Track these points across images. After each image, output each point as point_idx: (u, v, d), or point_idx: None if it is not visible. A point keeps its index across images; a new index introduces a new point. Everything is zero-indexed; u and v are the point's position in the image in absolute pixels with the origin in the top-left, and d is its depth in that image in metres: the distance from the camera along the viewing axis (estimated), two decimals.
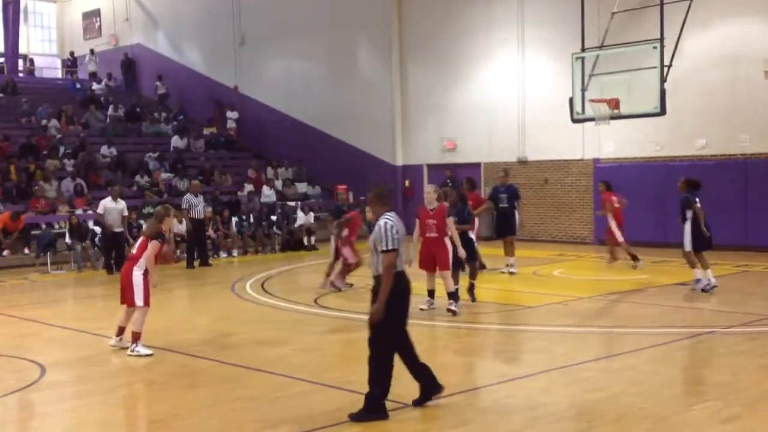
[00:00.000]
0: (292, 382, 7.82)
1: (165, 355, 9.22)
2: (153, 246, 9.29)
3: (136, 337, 9.19)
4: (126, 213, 17.61)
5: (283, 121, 27.40)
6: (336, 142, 25.97)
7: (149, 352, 9.11)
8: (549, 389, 7.47)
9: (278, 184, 24.69)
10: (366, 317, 6.76)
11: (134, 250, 9.55)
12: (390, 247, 6.48)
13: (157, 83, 30.97)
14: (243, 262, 19.49)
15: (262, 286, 14.79)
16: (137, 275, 9.30)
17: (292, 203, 23.30)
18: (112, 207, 17.28)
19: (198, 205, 18.22)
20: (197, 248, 18.29)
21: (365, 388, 6.62)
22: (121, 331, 9.56)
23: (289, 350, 9.32)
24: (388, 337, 6.54)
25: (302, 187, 25.39)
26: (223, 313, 12.25)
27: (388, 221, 6.63)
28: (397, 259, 6.54)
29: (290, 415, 6.77)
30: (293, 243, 21.43)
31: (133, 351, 9.13)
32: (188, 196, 18.46)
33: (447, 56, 23.58)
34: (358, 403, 6.67)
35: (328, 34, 26.08)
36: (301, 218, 22.16)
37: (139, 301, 9.29)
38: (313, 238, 21.71)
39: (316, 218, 22.52)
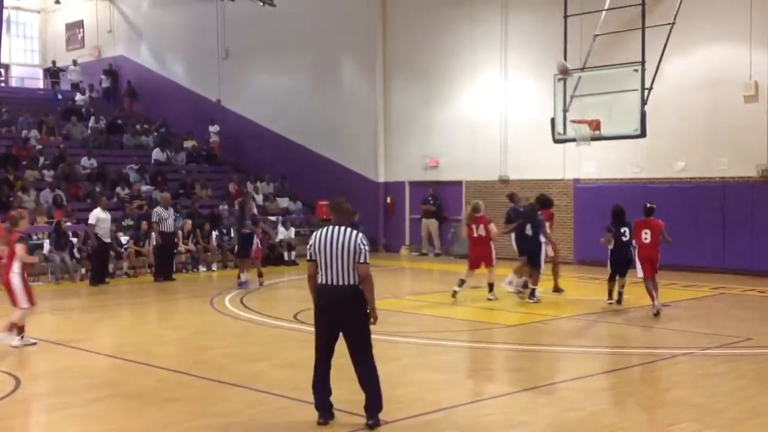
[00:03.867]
0: (271, 397, 7.77)
1: (142, 369, 9.14)
2: (21, 247, 10.24)
3: (12, 327, 9.95)
4: (111, 224, 17.80)
5: (265, 135, 27.38)
6: (319, 157, 25.97)
7: (17, 343, 9.92)
8: (528, 408, 7.47)
9: (259, 198, 24.63)
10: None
11: (4, 260, 10.35)
12: (308, 258, 6.90)
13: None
14: (222, 276, 19.40)
15: (242, 300, 14.71)
16: (15, 280, 10.15)
17: (273, 218, 23.24)
18: (104, 217, 17.48)
19: (168, 218, 18.08)
20: (164, 261, 18.18)
21: (344, 404, 6.58)
22: (20, 330, 10.25)
23: (267, 365, 9.28)
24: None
25: (284, 202, 25.34)
26: (202, 328, 12.18)
27: (315, 234, 6.93)
28: (325, 273, 6.76)
29: (267, 431, 6.73)
30: (273, 258, 21.37)
31: (3, 339, 9.93)
32: (158, 209, 18.35)
33: (430, 74, 23.69)
34: (338, 419, 6.65)
35: (312, 50, 26.14)
36: (282, 233, 22.10)
37: (23, 303, 10.14)
38: (293, 254, 21.66)
39: (297, 233, 22.49)
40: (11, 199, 20.42)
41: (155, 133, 28.30)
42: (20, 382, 8.46)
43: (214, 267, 20.37)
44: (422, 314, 13.11)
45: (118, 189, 22.82)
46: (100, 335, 12.13)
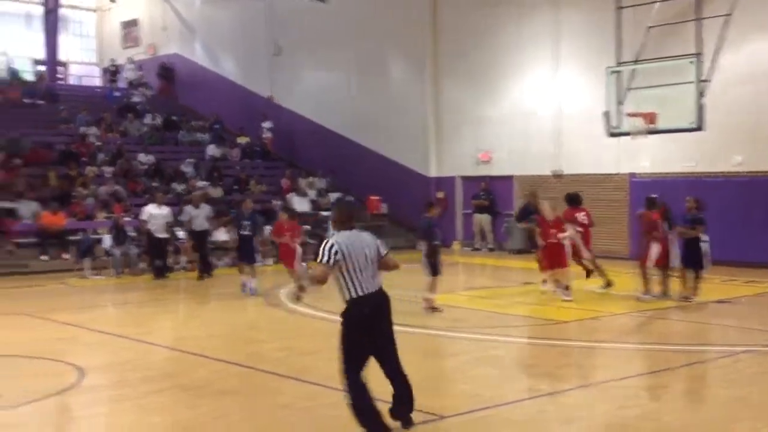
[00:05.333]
0: (325, 391, 7.84)
1: (199, 361, 9.31)
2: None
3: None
4: (170, 219, 17.95)
5: (317, 131, 27.57)
6: (369, 152, 26.07)
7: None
8: (583, 405, 7.43)
9: (312, 193, 24.83)
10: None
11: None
12: (319, 260, 6.23)
13: (157, 74, 31.74)
14: (276, 270, 19.59)
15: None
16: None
17: (326, 213, 23.40)
18: (157, 213, 17.77)
19: (197, 217, 17.97)
20: (200, 259, 18.12)
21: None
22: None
23: (321, 359, 9.36)
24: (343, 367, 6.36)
25: (335, 197, 25.49)
26: (256, 321, 12.36)
27: (331, 240, 6.31)
28: (360, 281, 6.23)
29: (321, 424, 6.81)
30: None
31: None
32: (188, 208, 18.24)
33: (481, 68, 23.59)
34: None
35: (362, 45, 26.23)
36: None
37: None
38: None
39: None
40: (73, 194, 20.99)
41: (210, 130, 28.71)
42: (84, 373, 8.71)
43: (269, 261, 20.59)
44: (477, 309, 13.09)
45: (175, 184, 23.21)
46: (159, 328, 12.41)
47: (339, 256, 6.16)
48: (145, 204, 19.03)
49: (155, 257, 17.96)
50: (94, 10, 36.72)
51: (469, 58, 23.79)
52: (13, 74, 29.53)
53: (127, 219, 19.35)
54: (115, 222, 18.83)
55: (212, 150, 26.81)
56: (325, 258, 6.16)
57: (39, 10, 33.20)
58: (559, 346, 10.55)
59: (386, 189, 25.32)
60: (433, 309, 12.24)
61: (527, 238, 15.74)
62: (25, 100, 27.20)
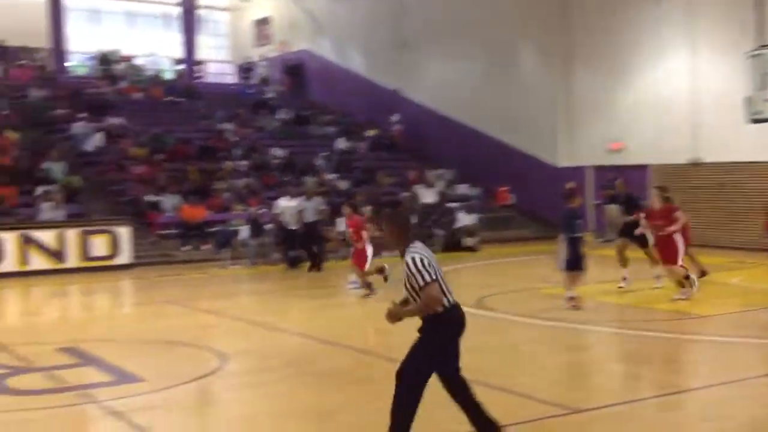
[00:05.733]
0: None
1: (334, 350, 9.54)
2: None
3: None
4: (301, 209, 18.51)
5: (443, 122, 27.58)
6: (497, 143, 25.86)
7: None
8: (724, 402, 7.14)
9: (439, 185, 24.89)
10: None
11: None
12: (428, 279, 5.58)
13: (287, 70, 32.17)
14: (397, 261, 19.77)
15: None
16: None
17: (453, 204, 23.41)
18: (289, 205, 18.34)
19: (308, 209, 18.18)
20: (308, 252, 18.30)
21: (531, 391, 6.59)
22: None
23: None
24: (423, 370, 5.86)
25: (463, 189, 25.45)
26: (383, 312, 12.49)
27: (416, 255, 5.64)
28: (448, 290, 5.77)
29: (451, 415, 6.84)
30: (453, 244, 21.55)
31: None
32: (281, 201, 18.62)
33: (613, 54, 22.93)
34: (523, 406, 6.67)
35: (488, 35, 26.01)
36: (463, 219, 22.22)
37: None
38: (474, 240, 21.72)
39: (477, 220, 22.52)
40: (212, 187, 21.91)
41: (339, 124, 29.26)
42: (225, 358, 9.10)
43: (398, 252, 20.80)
44: (610, 302, 12.80)
45: (306, 177, 23.80)
46: (293, 317, 12.78)
47: (431, 269, 5.61)
48: (278, 197, 19.67)
49: (288, 248, 18.51)
50: (228, 10, 38.05)
51: (601, 44, 23.17)
52: (156, 74, 31.03)
53: (261, 211, 20.00)
54: (250, 214, 19.54)
55: (341, 143, 27.32)
56: (430, 275, 5.58)
57: (177, 11, 34.73)
58: (698, 341, 10.17)
59: (514, 180, 25.06)
60: (574, 306, 11.57)
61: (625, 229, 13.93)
62: (167, 99, 28.56)
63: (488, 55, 26.29)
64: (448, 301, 5.73)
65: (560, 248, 11.77)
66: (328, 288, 16.12)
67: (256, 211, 19.75)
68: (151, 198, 20.87)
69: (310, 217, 18.31)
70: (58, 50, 30.61)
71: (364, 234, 13.83)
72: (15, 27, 28.51)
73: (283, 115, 29.09)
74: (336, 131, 28.50)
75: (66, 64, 31.15)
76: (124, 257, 18.78)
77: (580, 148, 24.17)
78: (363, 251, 13.78)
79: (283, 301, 14.26)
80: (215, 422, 7.30)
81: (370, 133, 28.77)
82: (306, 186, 19.69)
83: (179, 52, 33.70)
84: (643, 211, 12.97)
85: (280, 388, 8.01)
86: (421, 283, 5.56)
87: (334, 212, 20.44)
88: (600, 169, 23.58)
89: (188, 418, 7.33)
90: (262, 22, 36.28)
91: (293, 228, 18.40)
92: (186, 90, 29.57)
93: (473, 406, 5.93)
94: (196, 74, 34.24)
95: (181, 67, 33.39)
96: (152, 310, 13.46)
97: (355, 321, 11.82)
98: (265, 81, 32.80)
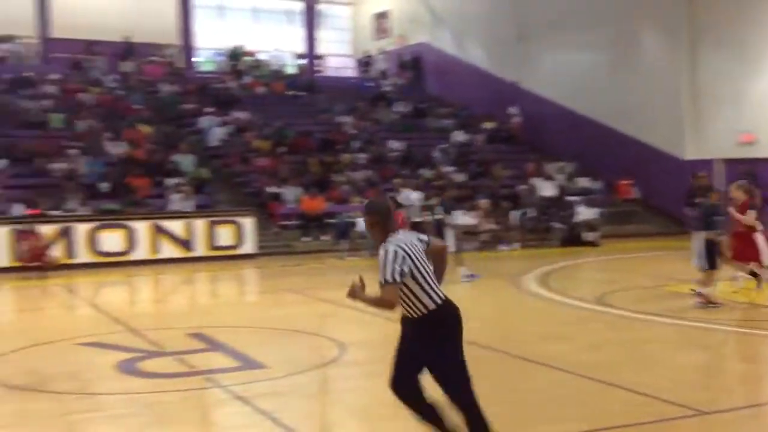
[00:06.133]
0: (575, 378, 7.75)
1: None
2: None
3: None
4: (423, 203, 18.66)
5: (563, 114, 27.09)
6: (618, 135, 25.18)
7: None
8: None
9: (559, 178, 24.47)
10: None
11: None
12: (389, 279, 4.98)
13: (406, 64, 31.88)
14: (523, 255, 19.59)
15: (544, 280, 14.78)
16: None
17: (573, 198, 22.97)
18: (411, 198, 18.49)
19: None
20: None
21: (654, 391, 6.41)
22: None
23: (571, 347, 9.23)
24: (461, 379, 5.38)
25: (583, 182, 24.93)
26: (504, 306, 12.43)
27: (392, 247, 5.03)
28: (432, 289, 5.16)
29: (573, 412, 6.73)
30: (573, 238, 21.16)
31: None
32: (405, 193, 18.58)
33: (744, 41, 21.91)
34: (647, 406, 6.49)
35: (610, 24, 25.34)
36: (583, 213, 21.80)
37: None
38: (595, 234, 21.26)
39: (599, 214, 22.03)
40: (331, 179, 22.33)
41: (456, 116, 29.19)
42: (344, 348, 9.27)
43: (515, 246, 20.63)
44: (737, 302, 12.27)
45: (423, 170, 23.89)
46: None
47: (407, 264, 4.99)
48: (396, 190, 19.83)
49: None
50: (349, 4, 38.54)
51: (730, 29, 22.18)
52: (279, 69, 31.81)
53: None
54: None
55: (458, 136, 27.25)
56: (395, 274, 4.95)
57: (299, 6, 35.47)
58: None
59: (637, 173, 24.35)
60: (710, 304, 11.03)
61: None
62: (288, 93, 29.24)
63: (610, 44, 25.62)
64: (439, 297, 5.17)
65: (697, 245, 11.32)
66: (450, 280, 16.11)
67: None
68: (273, 189, 21.46)
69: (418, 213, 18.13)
70: (187, 47, 31.86)
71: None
72: (147, 25, 29.90)
73: (400, 108, 29.26)
74: (453, 124, 28.46)
75: (194, 60, 32.40)
76: (248, 247, 19.40)
77: (707, 140, 23.23)
78: None
79: None
80: (335, 410, 7.45)
81: (488, 125, 28.58)
82: (394, 182, 19.58)
83: (301, 47, 34.40)
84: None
85: None
86: (382, 280, 4.99)
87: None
88: (731, 163, 22.60)
89: (310, 405, 7.51)
90: (382, 16, 36.56)
91: (417, 220, 18.44)
92: (307, 84, 30.18)
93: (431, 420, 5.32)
94: (317, 68, 34.88)
95: (303, 61, 34.08)
96: (274, 299, 13.87)
97: (475, 315, 11.74)
98: (383, 74, 33.07)
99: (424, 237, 5.32)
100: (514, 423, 6.54)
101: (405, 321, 5.28)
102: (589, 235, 21.25)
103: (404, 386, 5.38)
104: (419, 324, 5.17)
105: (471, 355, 8.87)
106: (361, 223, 19.49)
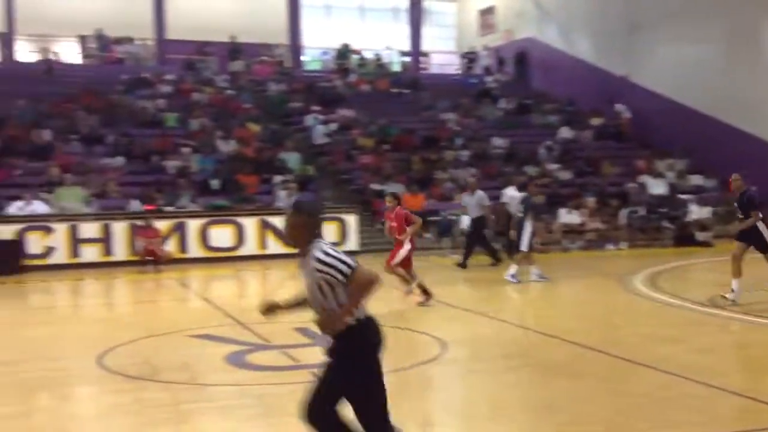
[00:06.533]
0: (683, 382, 7.53)
1: (553, 342, 9.44)
2: None
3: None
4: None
5: (674, 109, 26.21)
6: (733, 130, 24.18)
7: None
8: None
9: (670, 175, 23.73)
10: None
11: None
12: (353, 264, 4.58)
13: (511, 59, 31.53)
14: (631, 255, 19.11)
15: (653, 281, 14.38)
16: None
17: (685, 196, 22.23)
18: (516, 195, 18.27)
19: (470, 204, 17.62)
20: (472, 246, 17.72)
21: None
22: None
23: (679, 349, 8.97)
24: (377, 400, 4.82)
25: (696, 179, 24.09)
26: (611, 306, 12.18)
27: (326, 247, 4.64)
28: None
29: (679, 416, 6.56)
30: (684, 238, 20.49)
31: None
32: (463, 196, 18.20)
33: None
34: (761, 413, 6.26)
35: (726, 15, 24.36)
36: (695, 212, 21.08)
37: None
38: (708, 234, 20.53)
39: (713, 213, 21.26)
40: (434, 177, 22.35)
41: (562, 112, 28.72)
42: (446, 346, 9.29)
43: (623, 245, 20.15)
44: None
45: (527, 168, 23.60)
46: (513, 307, 12.80)
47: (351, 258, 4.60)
48: (500, 187, 19.67)
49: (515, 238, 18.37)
50: (454, 0, 38.45)
51: None
52: (383, 66, 32.06)
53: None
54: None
55: (564, 132, 26.79)
56: (351, 259, 4.61)
57: (405, 4, 35.64)
58: None
59: (755, 171, 23.27)
60: None
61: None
62: (393, 90, 29.43)
63: (726, 36, 24.64)
64: (364, 312, 4.74)
65: None
66: (549, 279, 15.91)
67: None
68: (376, 186, 21.66)
69: (474, 212, 17.53)
70: (295, 46, 32.52)
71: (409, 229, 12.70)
72: (256, 25, 30.70)
73: (504, 104, 29.00)
74: (559, 120, 27.99)
75: (301, 59, 33.03)
76: (351, 244, 19.64)
77: None
78: (400, 246, 12.63)
79: (503, 291, 14.27)
80: (436, 407, 7.49)
81: (596, 121, 27.97)
82: (468, 181, 19.10)
83: (406, 44, 34.56)
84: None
85: (501, 377, 8.07)
86: (347, 270, 4.51)
87: (555, 204, 20.21)
88: None
89: (411, 402, 7.56)
90: (487, 12, 36.32)
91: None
92: (411, 81, 30.29)
93: None
94: (421, 65, 34.96)
95: (407, 59, 34.22)
96: (376, 295, 13.97)
97: (577, 314, 11.61)
98: (488, 70, 32.85)
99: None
100: (616, 425, 6.44)
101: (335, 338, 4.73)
102: (701, 235, 20.52)
103: (317, 413, 4.76)
104: (342, 338, 4.66)
105: (575, 354, 8.80)
106: (464, 221, 19.44)
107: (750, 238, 11.72)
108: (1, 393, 7.72)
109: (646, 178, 23.23)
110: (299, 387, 7.78)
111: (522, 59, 33.23)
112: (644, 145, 26.80)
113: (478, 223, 17.47)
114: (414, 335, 10.07)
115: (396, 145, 24.36)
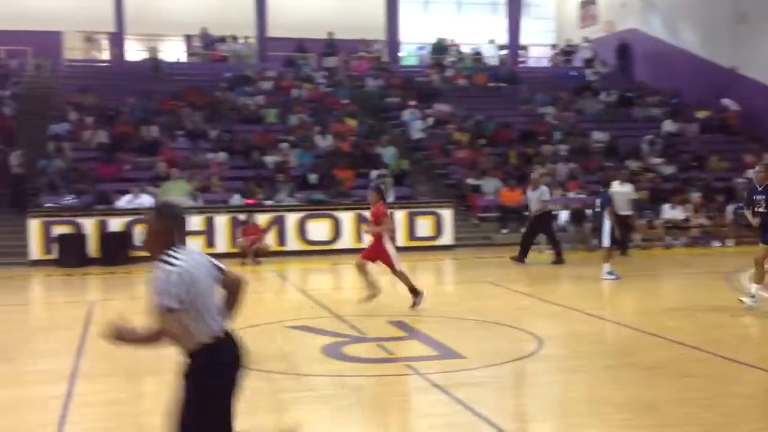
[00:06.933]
0: None
1: (656, 341, 9.21)
2: None
3: None
4: (634, 196, 17.90)
5: None
6: None
7: None
8: None
9: None
10: None
11: None
12: (166, 304, 4.11)
13: (613, 51, 30.87)
14: (738, 252, 18.43)
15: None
16: None
17: None
18: (621, 191, 17.81)
19: (532, 200, 17.25)
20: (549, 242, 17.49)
21: None
22: None
23: None
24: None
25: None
26: (716, 305, 11.78)
27: (169, 267, 4.16)
28: (210, 318, 4.30)
29: None
30: None
31: None
32: (528, 191, 17.78)
33: None
34: None
35: None
36: None
37: None
38: None
39: None
40: (530, 172, 22.05)
41: (666, 105, 27.88)
42: (542, 342, 9.20)
43: (729, 242, 19.45)
44: None
45: (629, 162, 23.02)
46: (614, 304, 12.55)
47: (176, 291, 4.10)
48: (599, 182, 19.21)
49: (623, 233, 17.92)
50: None
51: None
52: (481, 60, 31.82)
53: (580, 197, 19.77)
54: (568, 200, 19.41)
55: (668, 126, 25.99)
56: (172, 299, 4.11)
57: None
58: None
59: None
60: None
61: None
62: (490, 84, 29.20)
63: None
64: (216, 327, 4.33)
65: None
66: (652, 276, 15.54)
67: (574, 195, 19.56)
68: (472, 181, 21.56)
69: (536, 207, 17.19)
70: (392, 41, 32.65)
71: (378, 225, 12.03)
72: (354, 21, 31.00)
73: (605, 97, 28.36)
74: (663, 113, 27.17)
75: (399, 54, 33.15)
76: (447, 238, 19.64)
77: None
78: (373, 244, 12.17)
79: (603, 288, 14.01)
80: (533, 404, 7.44)
81: (701, 114, 27.03)
82: (531, 175, 18.57)
83: (504, 37, 34.21)
84: None
85: (599, 376, 7.93)
86: (155, 304, 4.13)
87: (658, 199, 19.68)
88: None
89: (507, 398, 7.55)
90: (588, 3, 35.58)
91: (626, 213, 17.78)
92: (508, 75, 29.98)
93: None
94: (519, 59, 34.54)
95: (504, 52, 33.87)
96: (472, 290, 13.99)
97: (681, 313, 11.27)
98: (588, 63, 32.18)
99: (220, 264, 4.46)
100: (718, 426, 6.25)
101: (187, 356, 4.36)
102: None
103: None
104: (190, 359, 4.30)
105: (676, 353, 8.57)
106: (562, 217, 19.15)
107: None
108: (106, 379, 8.08)
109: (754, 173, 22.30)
110: (394, 379, 7.91)
111: (624, 51, 32.38)
112: (754, 138, 25.74)
113: (541, 218, 17.20)
114: (510, 331, 10.00)
115: (492, 139, 24.17)
